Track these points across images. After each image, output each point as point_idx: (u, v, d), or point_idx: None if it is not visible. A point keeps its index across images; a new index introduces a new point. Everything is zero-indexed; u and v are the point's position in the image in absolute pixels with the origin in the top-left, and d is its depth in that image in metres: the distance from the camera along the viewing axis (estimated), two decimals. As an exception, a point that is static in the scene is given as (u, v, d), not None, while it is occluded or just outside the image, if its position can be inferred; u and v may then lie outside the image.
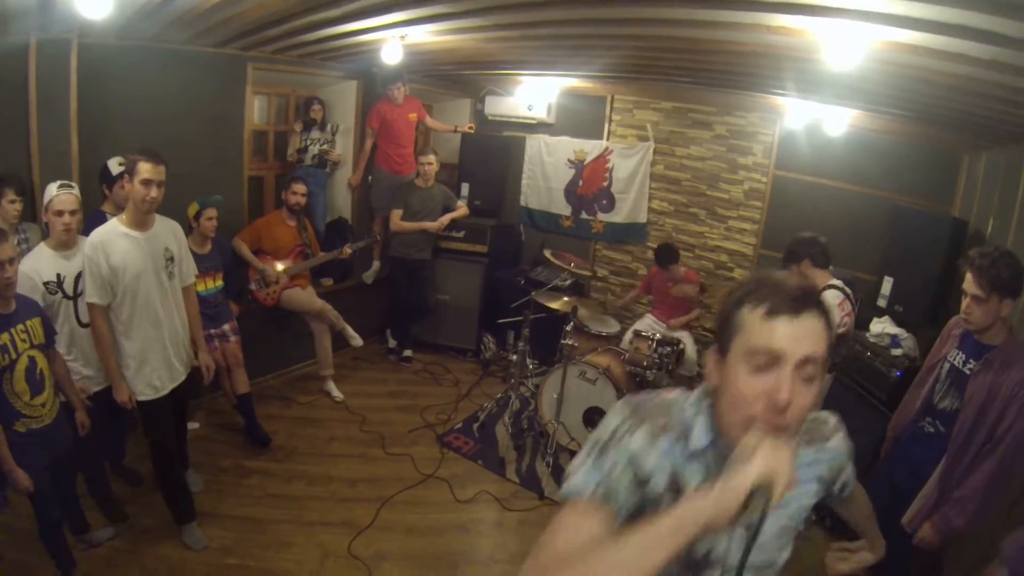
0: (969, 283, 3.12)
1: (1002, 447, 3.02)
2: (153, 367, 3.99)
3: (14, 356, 3.22)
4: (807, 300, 1.37)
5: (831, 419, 1.73)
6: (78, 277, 3.89)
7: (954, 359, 3.39)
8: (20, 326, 3.28)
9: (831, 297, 4.20)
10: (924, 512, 3.33)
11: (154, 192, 3.72)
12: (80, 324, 3.97)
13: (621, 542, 1.29)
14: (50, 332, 3.54)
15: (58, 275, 3.82)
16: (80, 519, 4.08)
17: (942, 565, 4.01)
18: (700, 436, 1.50)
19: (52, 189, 3.80)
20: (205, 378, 4.53)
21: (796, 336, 1.34)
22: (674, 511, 1.29)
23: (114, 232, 3.77)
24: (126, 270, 3.75)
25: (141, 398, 3.98)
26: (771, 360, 1.35)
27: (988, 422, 3.07)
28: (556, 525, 1.45)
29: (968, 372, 3.26)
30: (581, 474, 1.49)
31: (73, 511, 4.01)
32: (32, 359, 3.34)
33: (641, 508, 1.46)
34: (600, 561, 1.28)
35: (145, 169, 3.66)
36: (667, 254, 6.48)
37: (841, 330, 4.19)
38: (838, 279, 4.43)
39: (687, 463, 1.49)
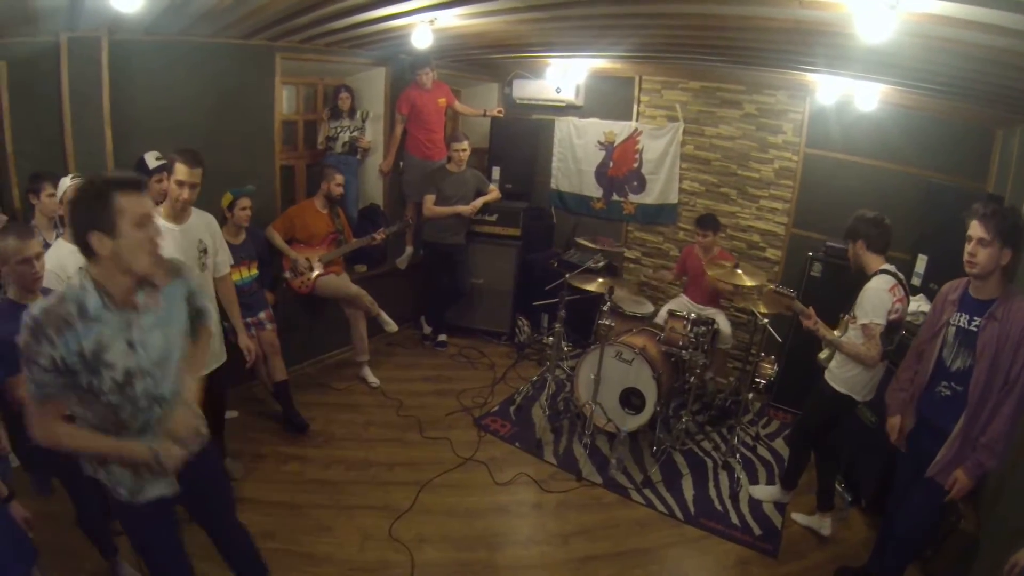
0: (975, 228, 3.26)
1: (1017, 388, 3.20)
2: None
3: None
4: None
5: (183, 264, 2.83)
6: None
7: (958, 321, 3.49)
8: None
9: (881, 282, 4.15)
10: (945, 461, 3.43)
11: (186, 193, 3.91)
12: None
13: (84, 436, 2.44)
14: None
15: (81, 268, 3.83)
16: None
17: (977, 543, 4.01)
18: (94, 304, 2.34)
19: (66, 182, 3.97)
20: (248, 360, 4.64)
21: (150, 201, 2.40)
22: (113, 444, 2.45)
23: None
24: None
25: None
26: (146, 219, 2.36)
27: (1002, 369, 3.23)
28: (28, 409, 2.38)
29: (975, 329, 3.37)
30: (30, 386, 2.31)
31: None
32: None
33: (77, 378, 2.32)
34: (77, 438, 2.43)
35: (180, 170, 3.87)
36: (711, 220, 6.48)
37: (893, 316, 4.11)
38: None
39: (87, 333, 2.30)
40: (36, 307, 2.25)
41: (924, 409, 3.69)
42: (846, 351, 4.28)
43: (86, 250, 2.35)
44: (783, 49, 4.98)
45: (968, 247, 3.30)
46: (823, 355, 4.64)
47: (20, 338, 2.22)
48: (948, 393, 3.53)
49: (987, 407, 3.28)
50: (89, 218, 2.29)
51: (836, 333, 4.47)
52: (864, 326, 4.14)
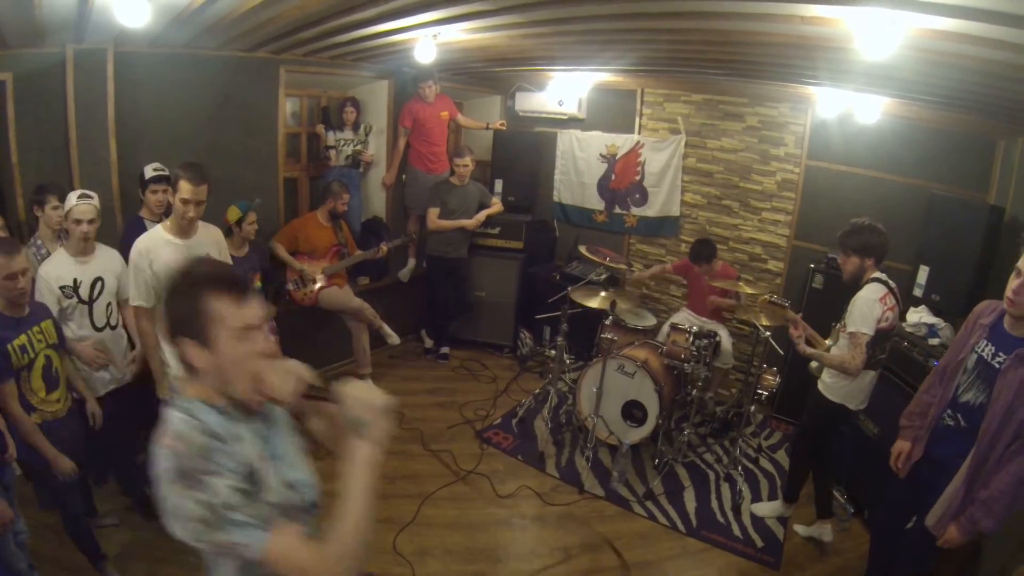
0: None
1: None
2: None
3: (32, 356, 3.42)
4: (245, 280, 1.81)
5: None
6: (95, 283, 4.04)
7: (982, 351, 3.20)
8: (36, 328, 3.48)
9: (871, 291, 4.11)
10: (950, 515, 3.17)
11: (192, 212, 3.88)
12: (95, 328, 4.09)
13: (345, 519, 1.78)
14: (61, 333, 3.72)
15: (75, 280, 3.95)
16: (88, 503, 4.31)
17: (978, 559, 3.96)
18: (217, 423, 1.74)
19: (72, 199, 3.95)
20: None
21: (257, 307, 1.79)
22: (355, 481, 1.87)
23: (158, 239, 3.93)
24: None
25: None
26: (250, 329, 1.75)
27: (1016, 420, 2.93)
28: (283, 556, 1.68)
29: (997, 366, 3.07)
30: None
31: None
32: (48, 358, 3.54)
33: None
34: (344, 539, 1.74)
35: (184, 188, 3.82)
36: (703, 251, 6.42)
37: (883, 325, 4.09)
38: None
39: (236, 451, 1.72)
40: (167, 457, 1.64)
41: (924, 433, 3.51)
42: (827, 362, 4.27)
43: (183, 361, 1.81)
44: (785, 63, 5.00)
45: (1014, 284, 2.97)
46: (814, 364, 4.64)
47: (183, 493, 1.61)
48: (951, 423, 3.34)
49: (993, 456, 3.00)
50: (179, 320, 1.76)
51: (828, 342, 4.48)
52: (852, 335, 4.10)
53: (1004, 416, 2.95)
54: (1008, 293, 3.00)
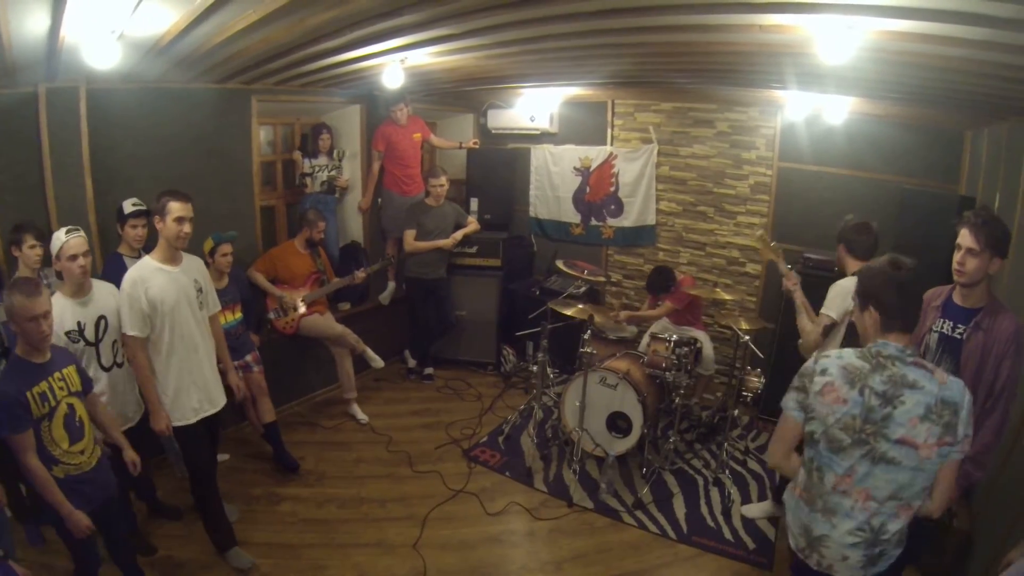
0: (965, 237, 3.25)
1: (1002, 401, 3.20)
2: (193, 391, 4.12)
3: (53, 404, 3.25)
4: None
5: None
6: (98, 322, 3.98)
7: (941, 327, 3.47)
8: (57, 374, 3.32)
9: (851, 283, 4.16)
10: None
11: (187, 228, 3.94)
12: (103, 368, 4.03)
13: None
14: (86, 379, 3.57)
15: (79, 323, 3.88)
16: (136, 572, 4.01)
17: (972, 541, 4.03)
18: None
19: (61, 236, 3.84)
20: (236, 396, 4.66)
21: None
22: None
23: (149, 267, 3.96)
24: (163, 302, 3.91)
25: (181, 423, 4.09)
26: None
27: (986, 381, 3.22)
28: None
29: (959, 337, 3.36)
30: None
31: (128, 564, 3.95)
32: (71, 406, 3.37)
33: None
34: None
35: (176, 208, 3.89)
36: (659, 281, 6.56)
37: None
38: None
39: None
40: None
41: None
42: (799, 321, 4.41)
43: None
44: (751, 70, 5.07)
45: (957, 256, 3.29)
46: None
47: None
48: None
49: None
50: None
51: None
52: (818, 315, 4.25)
53: (974, 379, 3.22)
54: (954, 265, 3.32)
